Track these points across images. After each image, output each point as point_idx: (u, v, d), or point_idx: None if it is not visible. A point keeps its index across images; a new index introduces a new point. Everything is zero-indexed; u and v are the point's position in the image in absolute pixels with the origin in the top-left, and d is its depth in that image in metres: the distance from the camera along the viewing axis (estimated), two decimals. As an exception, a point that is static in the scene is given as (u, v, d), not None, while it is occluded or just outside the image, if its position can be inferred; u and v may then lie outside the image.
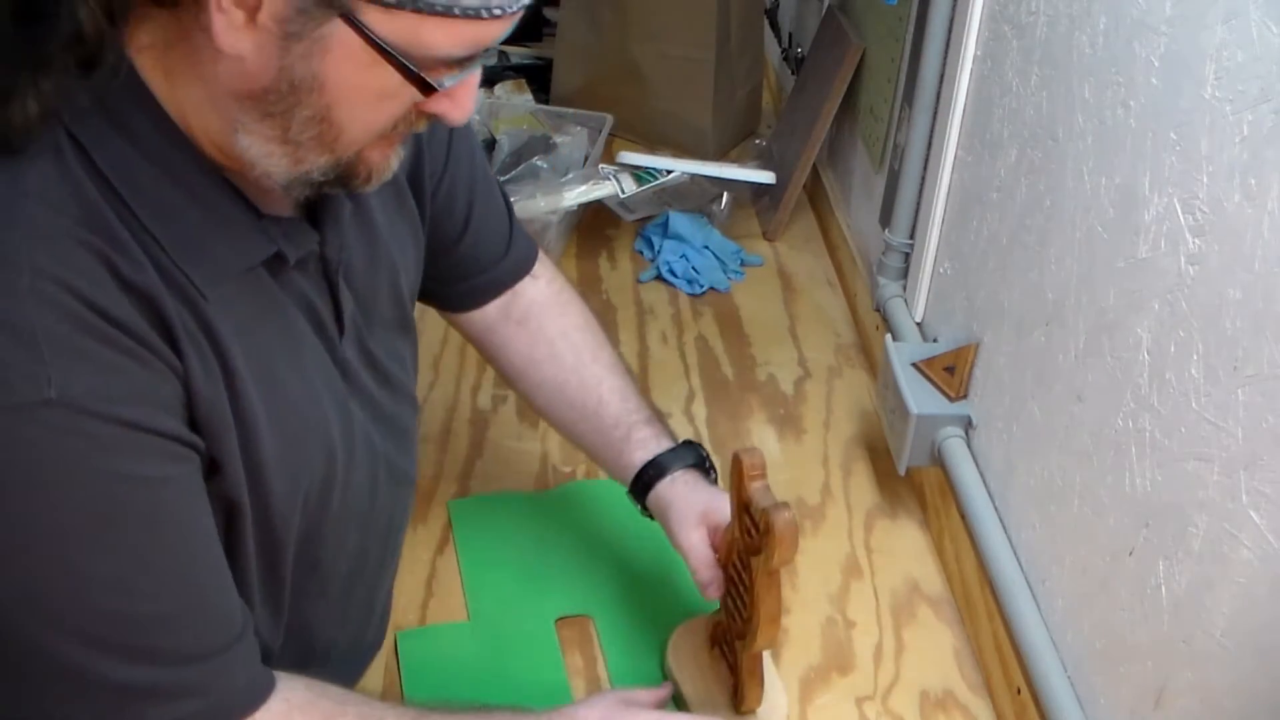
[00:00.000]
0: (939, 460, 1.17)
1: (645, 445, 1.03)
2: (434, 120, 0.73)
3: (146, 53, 0.67)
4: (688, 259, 1.64)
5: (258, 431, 0.75)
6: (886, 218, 1.42)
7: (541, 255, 1.10)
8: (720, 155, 1.97)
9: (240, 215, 0.73)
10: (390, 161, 0.75)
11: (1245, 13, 0.73)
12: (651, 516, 1.03)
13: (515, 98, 2.04)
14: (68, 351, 0.63)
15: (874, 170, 1.56)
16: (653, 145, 1.93)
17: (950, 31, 1.25)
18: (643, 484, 1.02)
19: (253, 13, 0.64)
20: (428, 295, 1.03)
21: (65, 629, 0.67)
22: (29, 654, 0.68)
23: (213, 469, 0.73)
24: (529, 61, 2.23)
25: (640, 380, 1.39)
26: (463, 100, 0.72)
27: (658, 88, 1.95)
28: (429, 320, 1.49)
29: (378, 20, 0.64)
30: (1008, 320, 1.11)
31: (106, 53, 0.65)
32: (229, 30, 0.64)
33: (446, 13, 0.65)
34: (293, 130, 0.68)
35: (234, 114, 0.68)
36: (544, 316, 1.08)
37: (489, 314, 1.07)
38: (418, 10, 0.64)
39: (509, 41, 2.60)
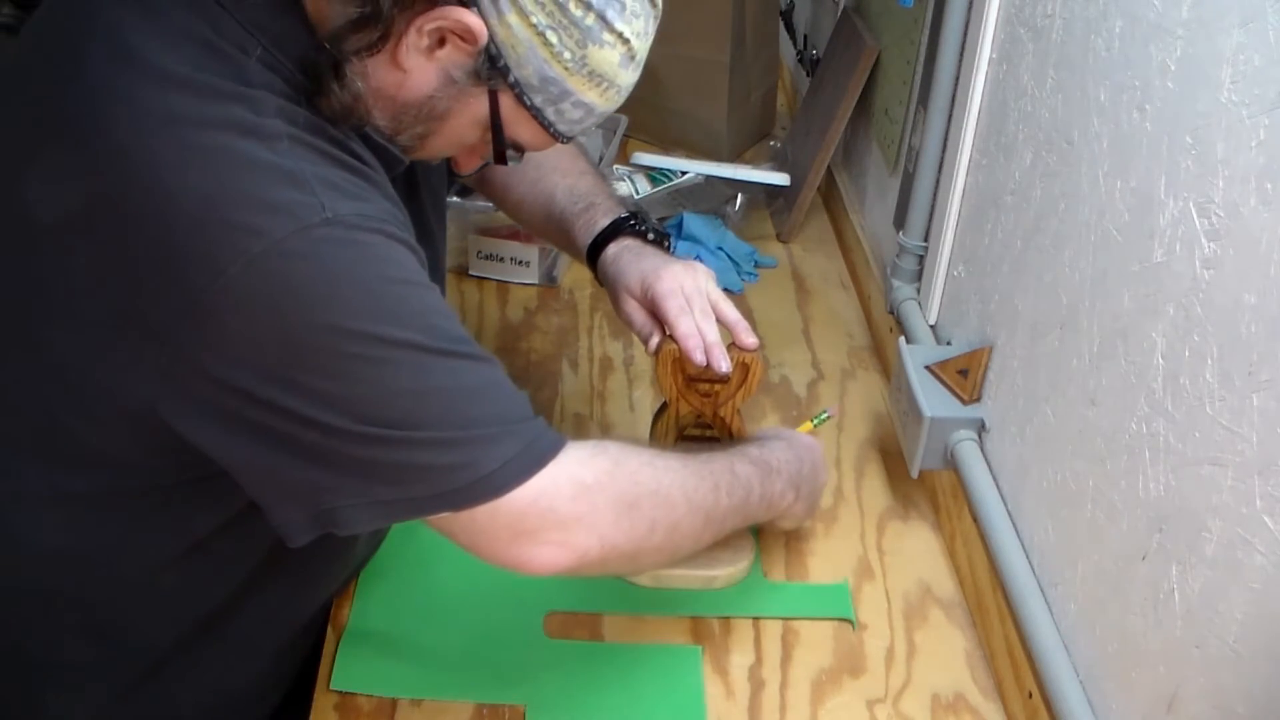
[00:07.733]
0: (952, 463, 1.17)
1: (583, 232, 1.13)
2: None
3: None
4: (702, 260, 1.64)
5: None
6: (901, 220, 1.42)
7: None
8: (735, 157, 1.97)
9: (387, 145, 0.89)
10: (470, 166, 0.95)
11: (1263, 16, 0.73)
12: None
13: (530, 98, 2.04)
14: (328, 186, 0.77)
15: (888, 172, 1.56)
16: (667, 146, 1.94)
17: (965, 34, 1.25)
18: (594, 266, 1.13)
19: (435, 47, 0.81)
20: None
21: (383, 406, 0.78)
22: (347, 439, 0.78)
23: None
24: (544, 62, 2.23)
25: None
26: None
27: (673, 89, 1.95)
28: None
29: (505, 104, 0.85)
30: (1022, 323, 1.10)
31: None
32: (410, 50, 0.81)
33: (548, 128, 0.87)
34: (401, 137, 0.86)
35: (370, 103, 0.83)
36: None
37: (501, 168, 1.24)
38: (533, 117, 0.86)
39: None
